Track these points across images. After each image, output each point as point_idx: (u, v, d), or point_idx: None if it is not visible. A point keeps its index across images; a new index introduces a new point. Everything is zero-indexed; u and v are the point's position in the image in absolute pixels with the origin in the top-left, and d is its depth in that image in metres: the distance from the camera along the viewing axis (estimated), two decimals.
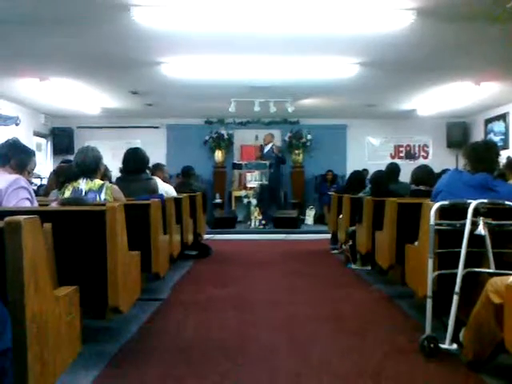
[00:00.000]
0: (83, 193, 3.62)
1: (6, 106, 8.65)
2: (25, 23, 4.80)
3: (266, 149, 10.83)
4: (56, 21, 4.74)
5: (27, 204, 2.94)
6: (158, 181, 5.17)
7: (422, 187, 4.42)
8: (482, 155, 3.14)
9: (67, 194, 3.64)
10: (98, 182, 3.69)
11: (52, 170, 6.15)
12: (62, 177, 4.64)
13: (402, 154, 11.83)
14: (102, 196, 3.61)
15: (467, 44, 5.56)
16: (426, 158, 11.69)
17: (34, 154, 3.34)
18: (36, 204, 3.10)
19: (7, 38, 5.29)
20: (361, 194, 5.63)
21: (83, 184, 3.64)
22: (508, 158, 4.54)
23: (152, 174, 5.25)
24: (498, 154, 3.22)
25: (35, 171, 7.11)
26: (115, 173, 4.99)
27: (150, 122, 11.38)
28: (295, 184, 11.35)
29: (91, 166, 3.69)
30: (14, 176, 2.97)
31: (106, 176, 4.15)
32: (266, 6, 4.38)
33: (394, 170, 6.01)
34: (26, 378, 1.70)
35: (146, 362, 2.75)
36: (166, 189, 5.31)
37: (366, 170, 9.40)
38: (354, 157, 11.58)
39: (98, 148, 3.84)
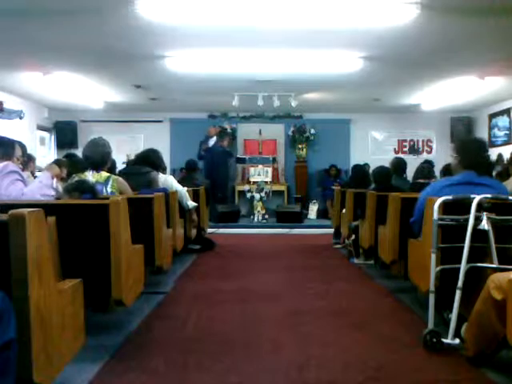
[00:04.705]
0: None
1: (10, 99, 8.65)
2: (27, 16, 4.79)
3: (211, 142, 10.29)
4: (59, 14, 4.73)
5: (20, 184, 3.22)
6: (161, 175, 5.17)
7: (420, 180, 4.41)
8: (476, 156, 3.13)
9: None
10: (104, 174, 3.79)
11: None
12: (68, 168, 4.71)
13: (405, 149, 11.76)
14: (109, 189, 3.72)
15: (471, 38, 5.52)
16: (429, 152, 11.62)
17: (17, 142, 3.69)
18: (30, 186, 3.30)
19: (10, 32, 5.28)
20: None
21: (90, 176, 3.75)
22: None
23: None
24: (487, 152, 3.23)
25: (38, 164, 7.13)
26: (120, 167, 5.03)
27: (153, 116, 11.36)
28: (298, 178, 11.33)
29: (99, 161, 3.82)
30: (4, 163, 3.27)
31: (112, 171, 4.20)
32: None
33: (399, 164, 5.86)
34: (31, 370, 1.72)
35: (149, 354, 2.76)
36: (169, 182, 5.28)
37: (367, 165, 9.37)
38: (358, 151, 11.53)
39: (108, 142, 3.97)
